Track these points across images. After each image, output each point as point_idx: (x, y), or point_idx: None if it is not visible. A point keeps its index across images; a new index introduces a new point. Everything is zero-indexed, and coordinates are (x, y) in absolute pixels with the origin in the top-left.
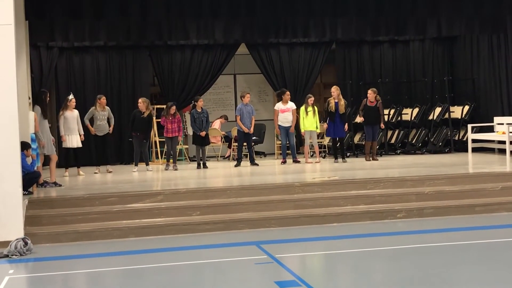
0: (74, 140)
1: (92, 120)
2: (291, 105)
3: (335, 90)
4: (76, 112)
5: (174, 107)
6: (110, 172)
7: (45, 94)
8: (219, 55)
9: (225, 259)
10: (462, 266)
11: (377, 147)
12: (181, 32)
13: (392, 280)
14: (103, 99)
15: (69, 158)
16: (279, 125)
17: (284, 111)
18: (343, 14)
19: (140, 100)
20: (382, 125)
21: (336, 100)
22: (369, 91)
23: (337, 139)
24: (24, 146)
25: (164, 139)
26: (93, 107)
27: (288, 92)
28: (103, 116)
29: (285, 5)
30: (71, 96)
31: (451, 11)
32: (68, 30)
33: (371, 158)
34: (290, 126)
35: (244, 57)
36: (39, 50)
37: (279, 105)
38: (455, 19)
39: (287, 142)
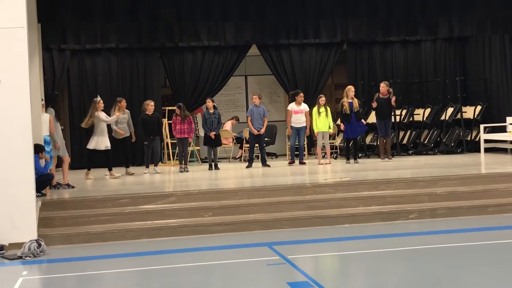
0: (106, 141)
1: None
2: (305, 107)
3: (353, 90)
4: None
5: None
6: (131, 174)
7: (59, 97)
8: (230, 56)
9: (237, 260)
10: (475, 267)
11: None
12: (192, 33)
13: (404, 281)
14: (124, 102)
15: (100, 159)
16: (291, 126)
17: (298, 113)
18: (354, 14)
19: (151, 103)
20: (393, 102)
21: (350, 101)
22: (382, 84)
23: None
24: (38, 148)
25: (175, 141)
26: (113, 110)
27: (301, 94)
28: (123, 119)
29: (295, 6)
30: (99, 98)
31: (462, 11)
32: (80, 32)
33: (385, 158)
34: (302, 127)
35: (255, 58)
36: (51, 52)
37: (292, 106)
38: (466, 19)
39: (296, 143)
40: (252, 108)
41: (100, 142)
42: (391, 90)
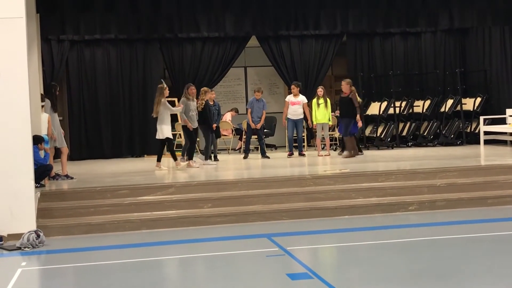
0: (165, 130)
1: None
2: (302, 98)
3: (347, 84)
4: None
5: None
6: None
7: (55, 87)
8: (229, 47)
9: (236, 252)
10: (474, 259)
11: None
12: (192, 25)
13: (403, 273)
14: (193, 88)
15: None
16: (288, 118)
17: (294, 104)
18: (354, 6)
19: (209, 90)
20: (358, 120)
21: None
22: (343, 82)
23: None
24: (37, 140)
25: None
26: (184, 97)
27: (292, 86)
28: (194, 107)
29: None
30: (164, 84)
31: (463, 2)
32: (79, 23)
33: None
34: (300, 119)
35: (255, 49)
36: (50, 43)
37: (289, 98)
38: (467, 10)
39: (295, 135)
40: (253, 101)
41: (164, 131)
42: (353, 88)
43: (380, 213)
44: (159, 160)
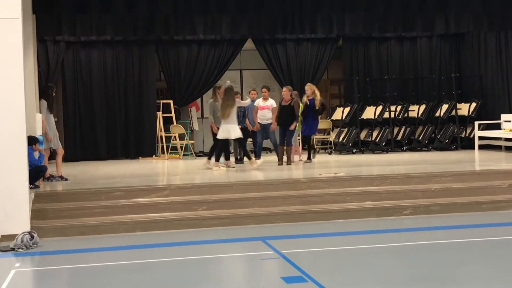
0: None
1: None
2: (271, 102)
3: (308, 88)
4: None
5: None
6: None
7: (52, 88)
8: (225, 50)
9: (231, 254)
10: (468, 264)
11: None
12: (188, 27)
13: (398, 277)
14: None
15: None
16: (258, 122)
17: (263, 108)
18: (351, 10)
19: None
20: (292, 126)
21: (311, 97)
22: (284, 89)
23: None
24: (32, 140)
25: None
26: (211, 99)
27: (264, 89)
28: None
29: (292, 1)
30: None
31: (459, 7)
32: (75, 24)
33: (285, 163)
34: (269, 124)
35: (251, 52)
36: (46, 44)
37: (258, 102)
38: (463, 15)
39: (269, 140)
40: (248, 102)
41: (231, 130)
42: (295, 96)
43: (375, 217)
44: (217, 159)
